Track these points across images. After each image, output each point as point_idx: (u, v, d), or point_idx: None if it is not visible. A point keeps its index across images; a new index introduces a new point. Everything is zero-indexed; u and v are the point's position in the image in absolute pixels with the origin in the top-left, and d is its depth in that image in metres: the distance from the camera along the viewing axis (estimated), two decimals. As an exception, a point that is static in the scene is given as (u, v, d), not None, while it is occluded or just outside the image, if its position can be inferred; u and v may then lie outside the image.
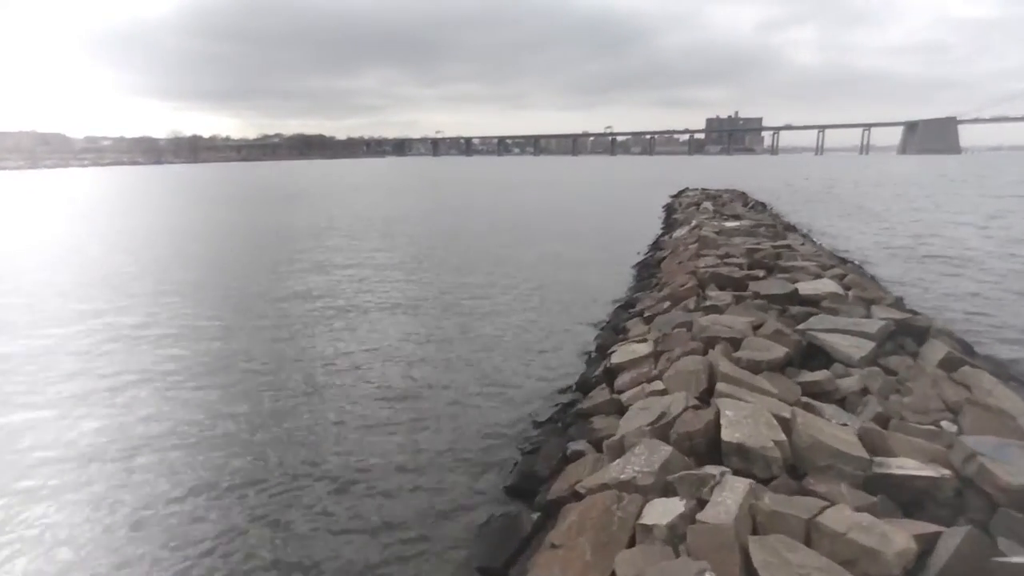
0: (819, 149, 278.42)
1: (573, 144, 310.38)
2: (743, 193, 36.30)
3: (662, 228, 22.93)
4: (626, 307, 10.87)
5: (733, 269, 10.75)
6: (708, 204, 25.67)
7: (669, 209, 29.51)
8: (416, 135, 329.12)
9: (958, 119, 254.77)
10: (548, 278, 14.41)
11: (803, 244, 13.99)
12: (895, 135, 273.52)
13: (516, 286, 13.77)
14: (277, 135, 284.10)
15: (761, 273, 10.93)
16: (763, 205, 29.64)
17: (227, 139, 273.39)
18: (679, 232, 18.40)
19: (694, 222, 19.32)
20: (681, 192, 38.38)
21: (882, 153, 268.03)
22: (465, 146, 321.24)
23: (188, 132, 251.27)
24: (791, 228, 18.34)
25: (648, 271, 14.08)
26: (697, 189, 38.36)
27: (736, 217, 20.04)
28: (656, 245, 17.68)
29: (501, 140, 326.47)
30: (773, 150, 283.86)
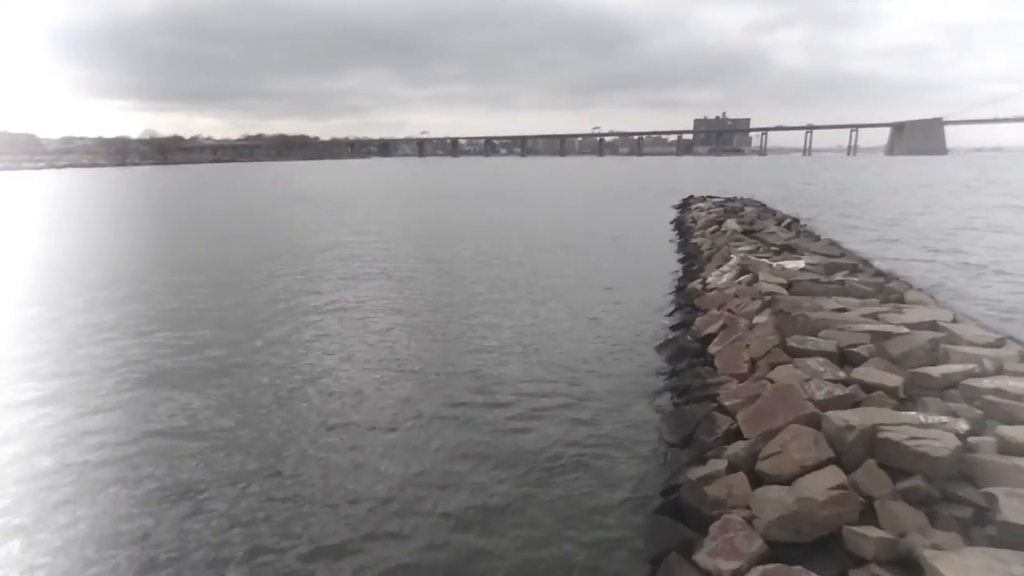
0: (807, 150, 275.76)
1: (561, 145, 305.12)
2: (763, 204, 30.63)
3: (680, 259, 17.05)
4: (673, 511, 4.89)
5: (922, 440, 4.78)
6: (733, 223, 19.84)
7: (680, 227, 23.68)
8: (403, 136, 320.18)
9: (944, 120, 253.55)
10: (517, 403, 8.39)
11: (954, 320, 8.13)
12: (882, 136, 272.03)
13: (466, 405, 7.81)
14: (259, 136, 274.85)
15: (962, 424, 5.08)
16: (796, 221, 23.92)
17: (208, 139, 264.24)
18: (717, 276, 12.48)
19: (734, 258, 13.42)
20: (687, 202, 32.62)
21: (869, 154, 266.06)
22: (451, 147, 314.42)
23: (168, 133, 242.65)
24: (880, 271, 12.47)
25: (690, 366, 8.12)
26: (705, 199, 32.59)
27: (790, 249, 14.18)
28: (687, 298, 11.71)
29: (488, 141, 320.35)
30: (761, 151, 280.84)
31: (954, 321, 8.05)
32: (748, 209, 25.00)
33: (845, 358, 7.03)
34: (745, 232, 18.78)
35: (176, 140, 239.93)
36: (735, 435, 5.77)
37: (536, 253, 18.89)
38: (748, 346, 7.80)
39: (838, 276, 11.09)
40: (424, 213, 33.72)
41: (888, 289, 10.03)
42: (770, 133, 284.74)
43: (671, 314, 11.26)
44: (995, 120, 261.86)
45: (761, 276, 11.04)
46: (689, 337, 9.05)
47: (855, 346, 7.16)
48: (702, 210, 26.34)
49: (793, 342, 7.33)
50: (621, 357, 9.16)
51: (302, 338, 10.37)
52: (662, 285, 13.89)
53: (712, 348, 8.42)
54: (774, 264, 12.32)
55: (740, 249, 14.44)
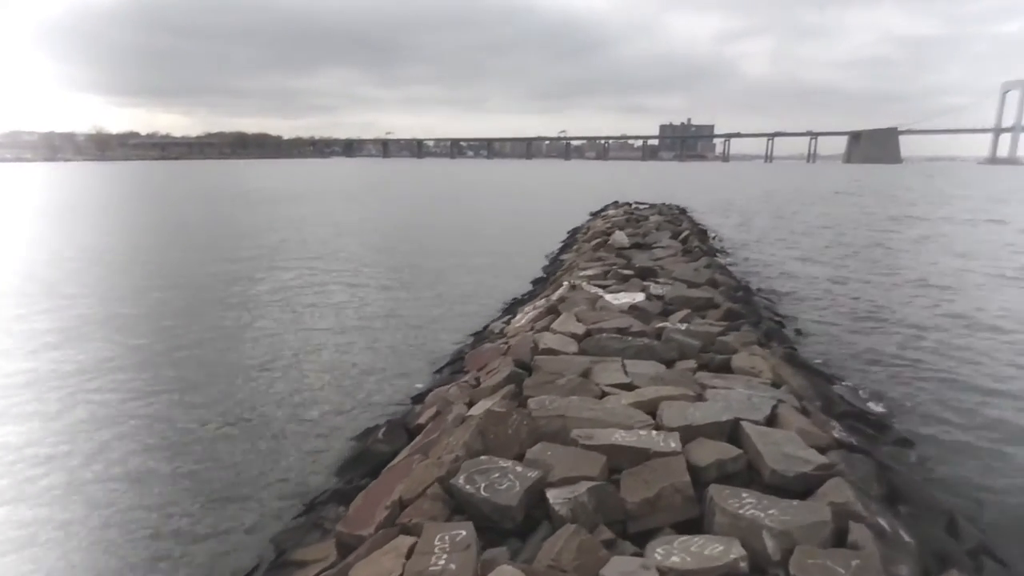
0: (768, 157, 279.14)
1: (528, 148, 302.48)
2: (683, 211, 27.90)
3: (533, 280, 13.82)
4: None
5: None
6: (621, 235, 16.76)
7: (573, 237, 20.56)
8: (371, 136, 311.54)
9: (899, 130, 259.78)
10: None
11: (770, 419, 5.01)
12: (840, 144, 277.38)
13: None
14: (219, 133, 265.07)
15: None
16: (704, 234, 21.11)
17: (167, 136, 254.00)
18: (524, 313, 9.25)
19: (564, 286, 10.26)
20: (604, 208, 29.65)
21: (828, 161, 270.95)
22: (417, 148, 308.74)
23: (130, 129, 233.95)
24: (733, 311, 9.34)
25: (334, 496, 4.81)
26: (624, 204, 29.73)
27: (650, 273, 11.05)
28: (474, 346, 8.43)
29: (455, 142, 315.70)
30: (724, 157, 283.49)
31: (770, 421, 4.93)
32: (653, 218, 22.04)
33: (527, 521, 3.82)
34: (634, 246, 15.82)
35: (127, 136, 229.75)
36: None
37: (380, 268, 15.51)
38: (411, 472, 4.52)
39: (673, 320, 7.98)
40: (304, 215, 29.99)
41: (720, 344, 6.94)
42: (733, 140, 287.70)
43: (439, 371, 7.97)
44: (947, 131, 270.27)
45: (561, 319, 7.85)
46: (382, 435, 5.69)
47: (570, 482, 3.97)
48: (607, 218, 23.32)
49: (462, 476, 4.08)
50: (302, 462, 5.79)
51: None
52: (481, 319, 10.62)
53: (393, 462, 5.13)
54: (606, 296, 9.18)
55: (585, 272, 11.28)
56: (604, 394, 5.50)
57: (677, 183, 65.50)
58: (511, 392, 5.53)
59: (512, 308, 10.64)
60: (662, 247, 15.38)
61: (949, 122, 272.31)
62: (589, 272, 11.20)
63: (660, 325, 7.45)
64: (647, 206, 29.15)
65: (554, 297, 9.45)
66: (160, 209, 35.13)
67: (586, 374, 5.93)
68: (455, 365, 7.78)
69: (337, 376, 7.87)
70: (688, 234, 17.67)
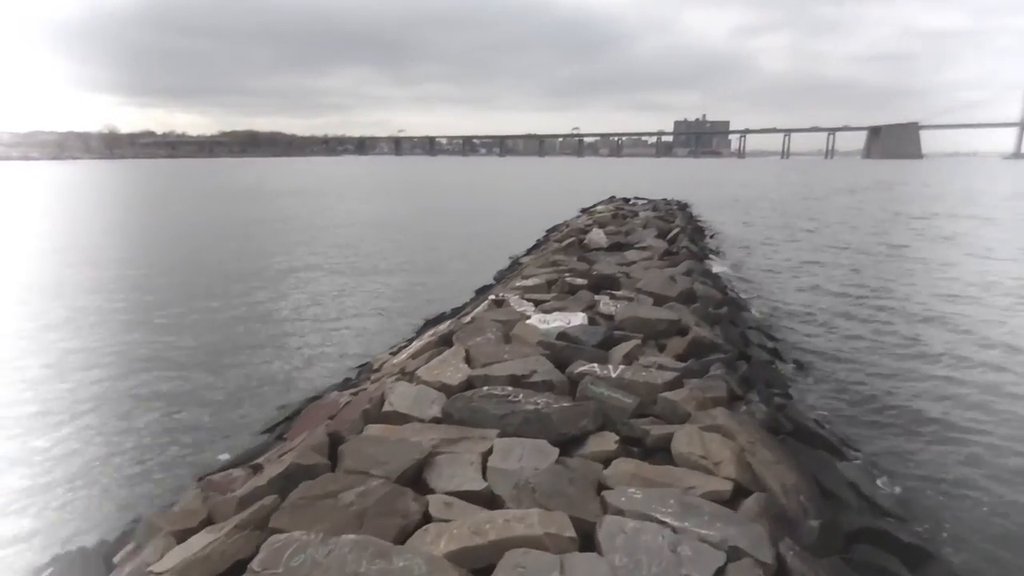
0: (785, 153, 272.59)
1: (540, 145, 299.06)
2: (682, 207, 25.25)
3: (481, 288, 11.39)
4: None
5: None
6: (599, 234, 14.25)
7: (547, 236, 18.06)
8: (385, 134, 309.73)
9: (920, 125, 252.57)
10: None
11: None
12: (859, 140, 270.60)
13: None
14: (232, 132, 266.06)
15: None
16: (700, 232, 18.55)
17: (183, 135, 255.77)
18: (418, 343, 6.85)
19: (490, 298, 7.84)
20: (596, 204, 27.09)
21: (847, 157, 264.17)
22: (429, 145, 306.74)
23: (145, 128, 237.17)
24: (702, 340, 6.83)
25: None
26: (616, 199, 27.16)
27: (607, 285, 8.56)
28: (339, 387, 6.06)
29: (467, 140, 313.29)
30: (740, 153, 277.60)
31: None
32: (643, 214, 19.46)
33: None
34: (613, 246, 13.41)
35: (139, 135, 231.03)
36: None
37: (310, 274, 13.21)
38: None
39: (615, 355, 5.53)
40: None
41: (665, 404, 4.48)
42: (750, 136, 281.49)
43: (270, 430, 5.58)
44: (969, 125, 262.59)
45: (443, 356, 5.39)
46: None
47: None
48: (593, 214, 20.79)
49: None
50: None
51: None
52: (380, 346, 8.23)
53: None
54: (532, 318, 6.73)
55: (524, 282, 8.80)
56: (427, 519, 3.09)
57: (687, 179, 62.74)
58: (261, 515, 3.11)
59: (425, 328, 8.22)
60: (641, 248, 12.89)
61: (972, 117, 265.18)
62: (529, 282, 8.71)
63: (581, 370, 4.98)
64: (644, 202, 26.62)
65: (466, 320, 7.00)
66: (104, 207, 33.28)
67: (419, 471, 3.51)
68: (288, 424, 5.39)
69: (122, 434, 5.52)
70: (678, 232, 15.10)
